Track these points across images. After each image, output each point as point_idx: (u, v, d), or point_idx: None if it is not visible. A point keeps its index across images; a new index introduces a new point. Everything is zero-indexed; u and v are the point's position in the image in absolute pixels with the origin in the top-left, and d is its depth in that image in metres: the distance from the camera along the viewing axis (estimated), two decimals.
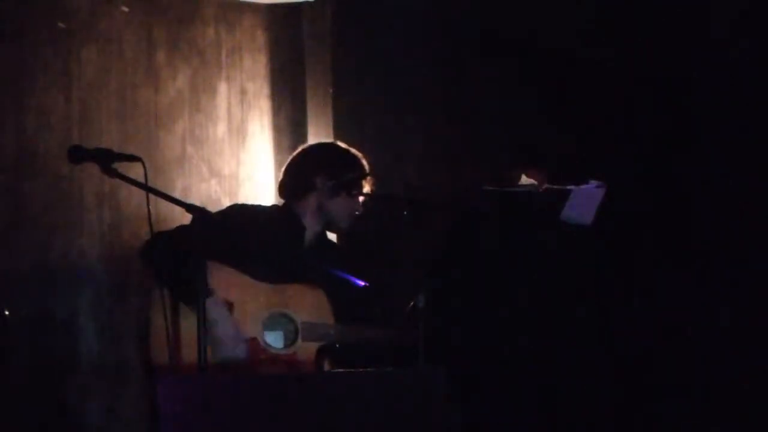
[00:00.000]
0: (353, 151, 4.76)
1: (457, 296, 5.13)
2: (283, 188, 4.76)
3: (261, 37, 5.87)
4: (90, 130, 5.30)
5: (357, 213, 4.71)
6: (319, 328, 4.46)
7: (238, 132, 5.77)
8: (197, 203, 4.65)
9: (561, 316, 4.99)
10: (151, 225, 4.05)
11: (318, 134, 5.78)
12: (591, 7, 5.08)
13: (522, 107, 5.24)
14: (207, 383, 3.68)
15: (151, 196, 4.05)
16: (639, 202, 4.96)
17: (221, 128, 5.72)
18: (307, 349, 4.45)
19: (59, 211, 5.21)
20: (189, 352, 4.19)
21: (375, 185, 4.77)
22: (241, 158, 5.76)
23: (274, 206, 4.80)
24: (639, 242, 4.97)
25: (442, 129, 5.56)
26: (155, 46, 5.54)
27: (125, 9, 5.44)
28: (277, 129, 5.87)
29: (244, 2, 5.81)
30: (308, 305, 4.48)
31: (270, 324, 4.45)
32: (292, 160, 4.77)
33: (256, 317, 4.42)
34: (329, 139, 5.68)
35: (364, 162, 4.72)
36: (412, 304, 4.35)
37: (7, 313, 4.64)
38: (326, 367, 4.69)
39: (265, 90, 5.87)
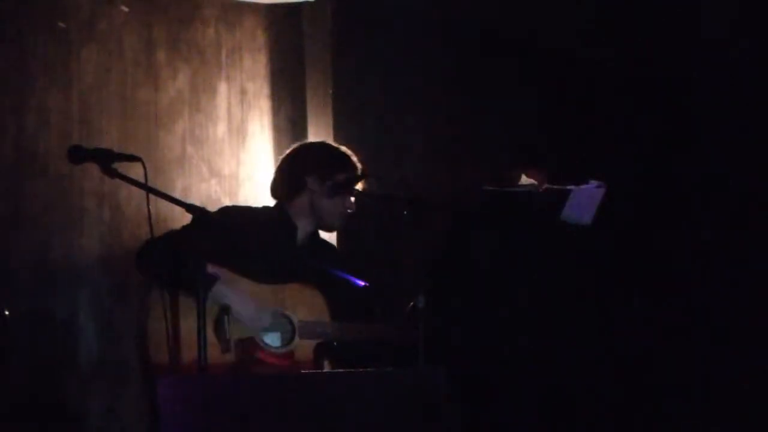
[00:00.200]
0: (344, 150, 4.77)
1: (457, 296, 5.13)
2: (275, 188, 4.77)
3: (261, 37, 5.87)
4: (90, 130, 5.30)
5: (349, 212, 4.72)
6: (316, 326, 4.47)
7: (238, 132, 5.77)
8: (197, 203, 4.65)
9: (561, 316, 4.99)
10: (151, 225, 4.05)
11: (318, 134, 5.78)
12: (591, 7, 5.08)
13: (522, 107, 5.24)
14: (207, 383, 3.68)
15: (151, 196, 4.05)
16: (639, 202, 4.96)
17: (221, 128, 5.72)
18: (304, 347, 4.46)
19: (59, 211, 5.21)
20: (189, 352, 4.20)
21: (368, 184, 4.77)
22: (241, 158, 5.76)
23: (265, 207, 4.81)
24: (639, 242, 4.97)
25: (442, 129, 5.56)
26: (155, 46, 5.54)
27: (125, 9, 5.44)
28: (277, 129, 5.87)
29: (244, 2, 5.81)
30: (304, 304, 4.49)
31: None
32: (283, 160, 4.79)
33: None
34: (329, 139, 5.69)
35: (356, 161, 4.72)
36: (412, 304, 4.35)
37: (7, 313, 4.64)
38: (326, 366, 4.69)
39: (265, 90, 5.87)
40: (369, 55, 5.71)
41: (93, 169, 4.13)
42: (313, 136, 5.76)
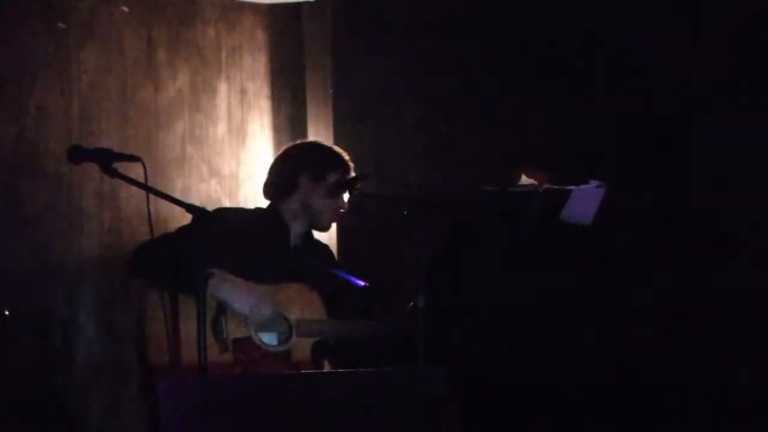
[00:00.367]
0: (336, 149, 4.79)
1: (457, 296, 5.13)
2: (268, 189, 4.78)
3: (261, 37, 5.87)
4: (90, 130, 5.30)
5: (342, 211, 4.73)
6: (312, 325, 4.48)
7: (238, 132, 5.77)
8: (197, 203, 4.66)
9: (561, 315, 4.99)
10: (151, 225, 4.05)
11: (318, 134, 5.79)
12: (591, 7, 5.08)
13: (522, 107, 5.24)
14: (207, 383, 3.68)
15: (151, 196, 4.05)
16: (639, 202, 4.96)
17: (221, 128, 5.72)
18: (302, 346, 4.47)
19: (59, 211, 5.21)
20: (189, 353, 4.20)
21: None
22: (241, 158, 5.75)
23: (258, 208, 4.83)
24: (639, 242, 4.97)
25: (442, 129, 5.56)
26: (155, 46, 5.53)
27: (125, 9, 5.43)
28: (277, 129, 5.87)
29: (244, 2, 5.81)
30: (300, 303, 4.49)
31: (264, 323, 4.46)
32: (275, 160, 4.80)
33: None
34: (329, 139, 5.69)
35: (348, 160, 4.73)
36: (412, 304, 4.35)
37: (7, 312, 4.64)
38: (326, 366, 4.69)
39: (265, 90, 5.87)
40: (369, 54, 5.71)
41: (93, 169, 4.13)
42: (313, 136, 5.76)
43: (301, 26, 5.91)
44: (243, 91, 5.80)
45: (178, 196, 4.78)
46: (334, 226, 5.58)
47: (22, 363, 5.01)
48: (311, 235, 4.80)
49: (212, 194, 5.64)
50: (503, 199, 4.97)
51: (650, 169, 4.96)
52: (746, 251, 4.77)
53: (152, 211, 4.05)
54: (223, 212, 4.75)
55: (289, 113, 5.91)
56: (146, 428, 4.33)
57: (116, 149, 4.14)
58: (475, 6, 5.38)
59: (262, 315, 4.39)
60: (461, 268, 5.24)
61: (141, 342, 4.32)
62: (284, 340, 4.47)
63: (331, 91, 5.84)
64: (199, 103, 5.65)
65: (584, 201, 4.86)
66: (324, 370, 4.61)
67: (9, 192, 5.11)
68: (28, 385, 5.04)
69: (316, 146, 4.85)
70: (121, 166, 4.05)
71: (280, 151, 4.86)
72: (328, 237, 5.58)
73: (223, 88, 5.73)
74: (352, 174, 4.72)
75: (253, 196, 5.65)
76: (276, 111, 5.89)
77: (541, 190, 4.92)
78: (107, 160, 4.05)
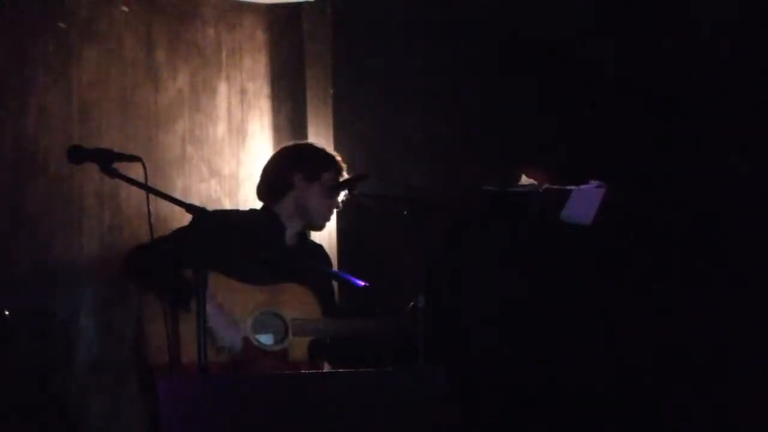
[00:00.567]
0: (328, 150, 4.82)
1: (457, 296, 5.13)
2: (262, 190, 4.80)
3: (261, 37, 5.87)
4: (90, 130, 5.30)
5: (336, 210, 4.74)
6: (308, 324, 4.49)
7: (238, 132, 5.77)
8: (197, 203, 4.66)
9: (561, 316, 4.99)
10: (151, 225, 4.05)
11: (318, 134, 5.79)
12: (591, 7, 5.08)
13: (522, 107, 5.24)
14: (207, 383, 3.68)
15: (151, 196, 4.05)
16: (639, 203, 4.96)
17: (221, 128, 5.72)
18: (298, 345, 4.47)
19: (59, 211, 5.21)
20: (188, 353, 4.20)
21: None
22: (241, 158, 5.76)
23: (252, 210, 4.83)
24: (639, 242, 4.97)
25: (442, 129, 5.56)
26: (155, 46, 5.54)
27: (125, 9, 5.44)
28: (277, 129, 5.87)
29: (244, 2, 5.81)
30: (296, 303, 4.50)
31: (260, 323, 4.46)
32: (268, 162, 4.82)
33: (246, 318, 4.43)
34: (329, 139, 5.70)
35: (340, 160, 4.75)
36: (412, 304, 4.35)
37: (7, 313, 4.64)
38: (326, 367, 4.70)
39: (265, 90, 5.87)
40: (369, 54, 5.71)
41: (93, 169, 4.13)
42: (313, 136, 5.76)
43: (301, 26, 5.91)
44: (243, 91, 5.80)
45: (178, 196, 4.79)
46: (333, 226, 5.59)
47: (22, 363, 5.01)
48: (306, 236, 4.82)
49: (212, 194, 5.64)
50: (503, 199, 4.97)
51: (650, 169, 4.96)
52: (746, 251, 4.77)
53: (152, 211, 4.05)
54: (217, 214, 4.76)
55: (289, 113, 5.91)
56: (146, 428, 4.33)
57: (116, 149, 4.14)
58: (475, 6, 5.38)
59: (231, 343, 4.38)
60: (461, 268, 5.24)
61: (141, 342, 4.32)
62: (280, 339, 4.48)
63: (331, 91, 5.84)
64: (199, 103, 5.65)
65: (584, 201, 4.86)
66: (324, 370, 4.62)
67: (9, 192, 5.11)
68: (28, 385, 5.04)
69: (309, 147, 4.88)
70: (121, 166, 4.05)
71: (273, 153, 4.88)
72: (329, 237, 5.58)
73: (223, 88, 5.73)
74: (345, 174, 4.73)
75: (253, 197, 5.63)
76: (276, 111, 5.89)
77: (541, 190, 4.92)
78: (107, 160, 4.05)
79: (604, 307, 4.96)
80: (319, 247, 4.92)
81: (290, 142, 5.07)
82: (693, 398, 4.81)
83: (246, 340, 4.41)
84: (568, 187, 4.87)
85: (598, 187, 4.88)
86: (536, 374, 4.98)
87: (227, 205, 5.61)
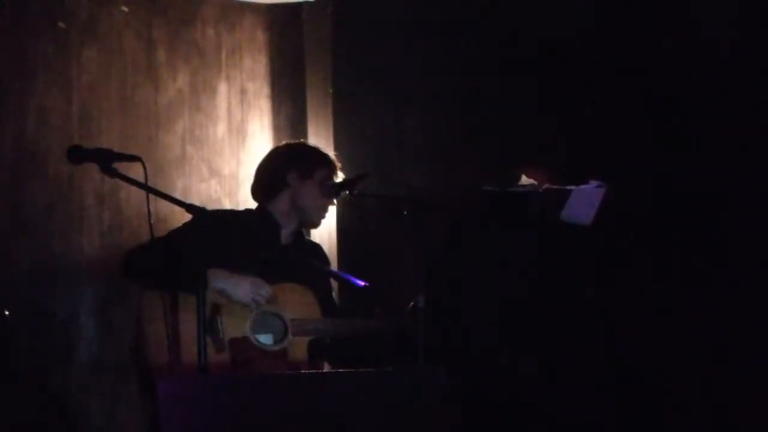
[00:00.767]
0: (321, 148, 4.83)
1: (457, 296, 5.13)
2: (256, 190, 4.81)
3: (261, 37, 5.87)
4: (90, 130, 5.30)
5: (331, 206, 4.75)
6: (307, 323, 4.49)
7: (238, 132, 5.77)
8: (197, 203, 4.66)
9: (561, 316, 4.98)
10: (151, 225, 4.05)
11: (318, 134, 5.79)
12: (591, 6, 5.08)
13: (522, 107, 5.24)
14: (207, 383, 3.68)
15: (151, 196, 4.05)
16: (639, 203, 4.96)
17: (221, 128, 5.72)
18: (298, 344, 4.47)
19: (59, 211, 5.21)
20: (188, 353, 4.20)
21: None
22: (241, 158, 5.76)
23: (247, 209, 4.84)
24: (639, 242, 4.96)
25: (442, 129, 5.55)
26: (155, 46, 5.54)
27: (125, 9, 5.44)
28: (277, 129, 5.87)
29: (244, 2, 5.81)
30: (295, 302, 4.50)
31: (259, 323, 4.46)
32: (262, 162, 4.83)
33: (245, 318, 4.43)
34: (329, 139, 5.70)
35: (334, 158, 4.76)
36: (412, 304, 4.35)
37: (7, 313, 4.64)
38: (326, 366, 4.70)
39: (265, 90, 5.87)
40: (369, 54, 5.71)
41: (93, 169, 4.13)
42: (313, 136, 5.77)
43: (301, 26, 5.91)
44: (243, 91, 5.80)
45: (178, 196, 4.79)
46: (333, 226, 5.59)
47: (22, 363, 5.01)
48: (302, 234, 4.82)
49: (212, 194, 5.64)
50: (503, 199, 4.97)
51: (650, 169, 4.95)
52: (746, 251, 4.77)
53: (152, 211, 4.06)
54: (214, 214, 4.76)
55: (289, 113, 5.91)
56: (146, 428, 4.33)
57: (116, 149, 4.14)
58: (475, 6, 5.38)
59: (261, 297, 4.41)
60: (461, 268, 5.24)
61: (141, 342, 4.32)
62: (280, 339, 4.48)
63: (331, 91, 5.84)
64: (199, 103, 5.65)
65: (584, 201, 4.86)
66: (324, 370, 4.62)
67: (9, 192, 5.11)
68: (28, 385, 5.04)
69: (302, 145, 4.89)
70: (121, 166, 4.05)
71: (267, 154, 4.89)
72: (328, 237, 5.58)
73: (223, 88, 5.73)
74: (339, 172, 4.74)
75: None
76: (276, 111, 5.89)
77: (541, 190, 4.92)
78: (107, 160, 4.05)
79: (604, 307, 4.96)
80: (317, 246, 4.92)
81: (283, 142, 5.07)
82: (693, 398, 4.81)
83: (246, 339, 4.41)
84: (568, 187, 4.87)
85: (598, 187, 4.88)
86: (536, 374, 4.97)
87: (227, 205, 5.61)
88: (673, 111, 4.94)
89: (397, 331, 4.51)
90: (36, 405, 5.05)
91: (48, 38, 5.23)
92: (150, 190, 4.05)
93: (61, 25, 5.26)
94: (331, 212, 4.84)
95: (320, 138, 5.71)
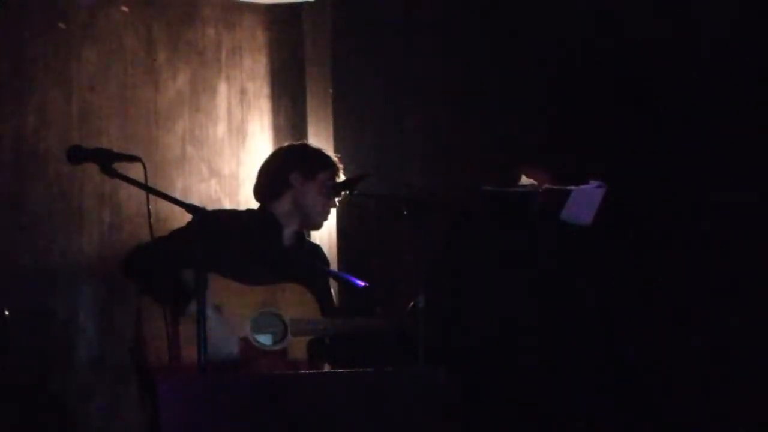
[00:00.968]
0: (324, 149, 4.83)
1: (458, 296, 5.13)
2: (258, 191, 4.81)
3: (261, 37, 5.87)
4: (90, 130, 5.30)
5: (333, 207, 4.75)
6: (307, 323, 4.49)
7: (238, 132, 5.77)
8: (197, 203, 4.66)
9: (561, 316, 4.98)
10: (150, 225, 4.05)
11: (318, 134, 5.79)
12: (591, 6, 5.08)
13: (522, 107, 5.24)
14: (207, 383, 3.68)
15: (151, 196, 4.05)
16: (639, 203, 4.96)
17: (221, 128, 5.72)
18: (297, 344, 4.47)
19: (59, 211, 5.21)
20: (189, 353, 4.19)
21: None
22: (241, 158, 5.76)
23: (249, 210, 4.84)
24: (639, 242, 4.96)
25: (442, 129, 5.55)
26: (155, 46, 5.54)
27: (125, 9, 5.44)
28: (277, 129, 5.87)
29: (244, 2, 5.81)
30: (295, 303, 4.50)
31: (259, 323, 4.46)
32: (265, 162, 4.83)
33: (245, 318, 4.43)
34: (329, 139, 5.70)
35: (336, 160, 4.76)
36: (412, 304, 4.35)
37: (7, 313, 4.64)
38: (326, 367, 4.70)
39: (265, 90, 5.87)
40: (369, 55, 5.70)
41: (93, 169, 4.13)
42: (313, 136, 5.77)
43: (301, 26, 5.91)
44: (243, 91, 5.80)
45: (178, 196, 4.79)
46: (333, 226, 5.59)
47: (22, 363, 5.01)
48: (303, 235, 4.82)
49: (212, 194, 5.64)
50: (503, 199, 4.97)
51: (650, 169, 4.95)
52: (746, 251, 4.77)
53: (152, 211, 4.05)
54: (214, 214, 4.76)
55: (289, 113, 5.91)
56: (146, 428, 4.33)
57: (116, 149, 4.14)
58: (475, 5, 5.38)
59: (227, 352, 4.37)
60: (461, 268, 5.24)
61: (141, 342, 4.32)
62: (279, 339, 4.48)
63: (331, 91, 5.84)
64: (199, 103, 5.65)
65: (584, 201, 4.85)
66: (324, 370, 4.62)
67: (9, 192, 5.11)
68: (28, 385, 5.04)
69: (305, 146, 4.89)
70: (121, 166, 4.05)
71: (269, 154, 4.89)
72: (329, 237, 5.58)
73: (223, 88, 5.73)
74: (341, 173, 4.75)
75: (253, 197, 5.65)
76: (276, 111, 5.89)
77: (541, 190, 4.92)
78: (107, 160, 4.05)
79: (604, 307, 4.96)
80: (317, 247, 4.93)
81: (286, 143, 5.07)
82: (693, 398, 4.81)
83: (245, 340, 4.41)
84: (568, 187, 4.87)
85: (598, 187, 4.88)
86: (536, 374, 4.97)
87: (227, 205, 5.62)
88: (673, 111, 4.94)
89: (397, 331, 4.51)
90: (36, 405, 5.05)
91: (48, 38, 5.23)
92: (150, 190, 4.06)
93: (61, 25, 5.26)
94: (332, 212, 4.84)
95: (320, 138, 5.71)
